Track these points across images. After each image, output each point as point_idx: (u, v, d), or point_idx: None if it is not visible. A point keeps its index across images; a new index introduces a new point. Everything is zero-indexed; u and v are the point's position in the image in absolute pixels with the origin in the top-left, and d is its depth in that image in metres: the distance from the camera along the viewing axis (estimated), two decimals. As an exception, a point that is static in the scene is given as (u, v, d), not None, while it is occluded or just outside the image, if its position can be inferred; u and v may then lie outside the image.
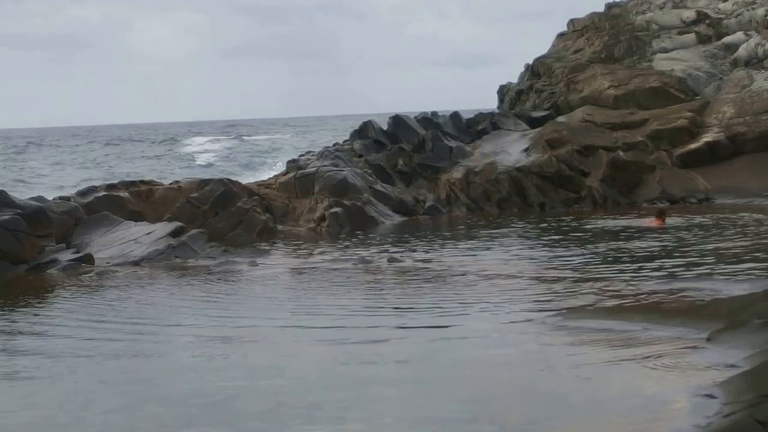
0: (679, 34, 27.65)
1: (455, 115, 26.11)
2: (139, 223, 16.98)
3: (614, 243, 15.66)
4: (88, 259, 14.55)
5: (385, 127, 24.88)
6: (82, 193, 19.04)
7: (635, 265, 13.03)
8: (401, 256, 14.71)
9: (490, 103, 33.72)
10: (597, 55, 28.24)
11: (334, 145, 25.21)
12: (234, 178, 22.72)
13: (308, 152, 24.98)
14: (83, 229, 16.59)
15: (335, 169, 21.51)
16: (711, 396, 6.30)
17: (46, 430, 6.49)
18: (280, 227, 19.51)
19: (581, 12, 40.17)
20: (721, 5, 28.24)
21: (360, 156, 23.72)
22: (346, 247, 16.53)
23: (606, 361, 7.59)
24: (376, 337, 9.00)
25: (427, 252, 15.47)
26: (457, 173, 22.93)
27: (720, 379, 6.64)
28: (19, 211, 14.87)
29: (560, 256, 14.34)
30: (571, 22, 30.83)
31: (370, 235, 18.30)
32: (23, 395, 7.33)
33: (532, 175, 22.68)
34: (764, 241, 15.29)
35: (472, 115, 26.72)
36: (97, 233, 16.40)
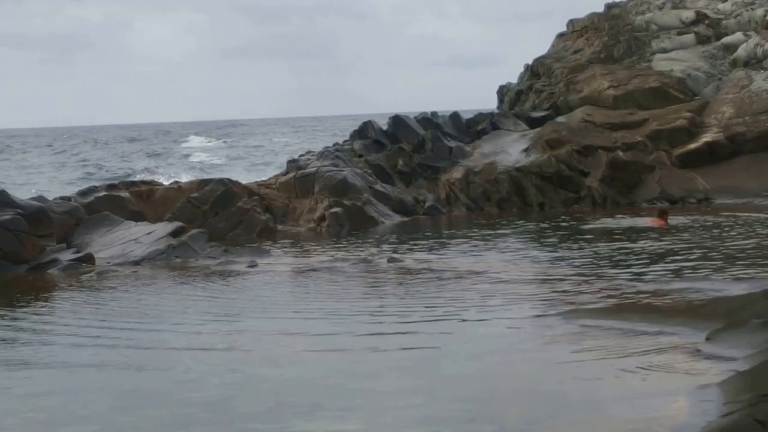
0: (679, 34, 27.67)
1: (455, 116, 26.13)
2: (139, 223, 17.00)
3: (614, 243, 15.67)
4: (89, 259, 14.57)
5: (385, 128, 24.90)
6: (83, 193, 19.09)
7: (635, 265, 13.05)
8: (401, 256, 14.73)
9: (489, 103, 33.78)
10: (596, 55, 28.26)
11: (334, 145, 25.24)
12: (234, 178, 22.72)
13: (308, 152, 25.01)
14: (84, 229, 16.62)
15: (335, 169, 21.53)
16: (710, 396, 6.32)
17: (46, 429, 6.50)
18: (280, 227, 19.53)
19: (581, 12, 40.17)
20: (721, 6, 28.26)
21: (360, 156, 23.75)
22: (346, 247, 16.55)
23: (605, 361, 7.61)
24: (376, 337, 9.02)
25: (426, 252, 15.49)
26: (457, 173, 22.95)
27: (719, 378, 6.65)
28: (19, 211, 14.89)
29: (560, 256, 14.36)
30: (571, 22, 30.85)
31: (370, 235, 18.32)
32: (23, 394, 7.35)
33: (532, 175, 22.70)
34: (764, 241, 15.32)
35: (471, 116, 26.75)
36: (97, 233, 16.42)
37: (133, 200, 19.06)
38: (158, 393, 7.27)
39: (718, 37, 27.25)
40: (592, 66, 27.49)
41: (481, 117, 26.52)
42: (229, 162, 49.95)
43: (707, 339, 7.98)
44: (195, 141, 74.62)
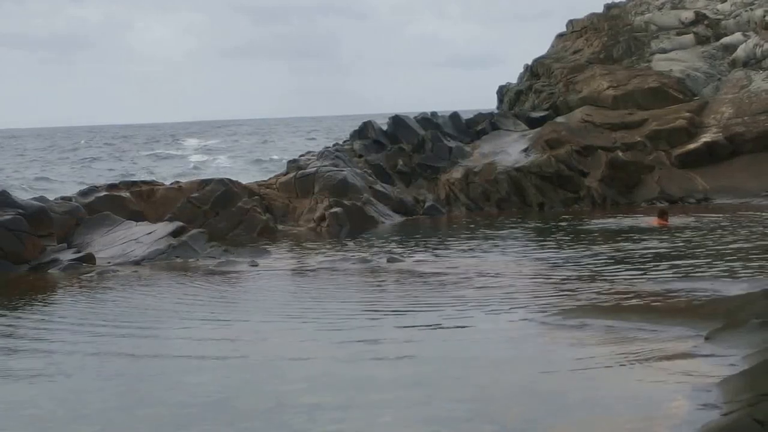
0: (678, 34, 27.68)
1: (455, 116, 26.14)
2: (140, 223, 17.02)
3: (614, 243, 15.68)
4: (89, 259, 14.59)
5: (385, 128, 24.91)
6: (84, 193, 19.10)
7: (635, 265, 13.07)
8: (401, 256, 14.75)
9: (489, 103, 33.77)
10: (596, 55, 28.26)
11: (334, 145, 25.25)
12: (234, 178, 22.73)
13: (308, 152, 25.03)
14: (84, 228, 16.64)
15: (335, 169, 21.55)
16: (709, 395, 6.34)
17: (47, 428, 6.52)
18: (280, 227, 19.54)
19: (580, 13, 40.24)
20: (720, 6, 28.27)
21: (360, 156, 23.76)
22: (346, 247, 16.56)
23: (605, 361, 7.63)
24: (376, 337, 9.04)
25: (426, 252, 15.51)
26: (457, 173, 22.97)
27: (718, 378, 6.67)
28: (20, 211, 14.92)
29: (560, 256, 14.36)
30: (570, 22, 30.86)
31: (370, 235, 18.34)
32: (24, 394, 7.37)
33: (532, 175, 22.71)
34: (763, 241, 15.34)
35: (471, 116, 26.76)
36: (98, 233, 16.44)
37: (133, 200, 19.07)
38: (158, 393, 7.28)
39: (718, 38, 27.26)
40: (591, 66, 27.50)
41: (480, 117, 26.53)
42: (229, 162, 49.95)
43: (706, 339, 8.00)
44: (195, 141, 74.62)
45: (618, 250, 14.75)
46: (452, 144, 24.09)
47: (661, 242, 15.53)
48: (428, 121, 25.37)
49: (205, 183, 20.22)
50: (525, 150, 23.55)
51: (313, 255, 15.55)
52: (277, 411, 6.67)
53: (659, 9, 28.78)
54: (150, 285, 12.70)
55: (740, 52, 26.12)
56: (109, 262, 14.66)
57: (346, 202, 20.05)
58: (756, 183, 22.25)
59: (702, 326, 8.42)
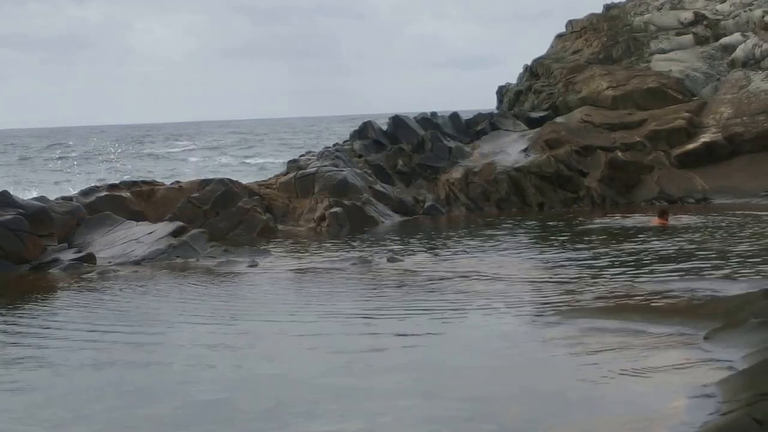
0: (677, 35, 27.70)
1: (454, 116, 26.16)
2: (140, 222, 17.04)
3: (614, 243, 15.71)
4: (90, 259, 14.61)
5: (384, 128, 24.93)
6: (84, 193, 19.12)
7: (635, 265, 13.08)
8: (401, 256, 14.77)
9: (489, 103, 33.79)
10: (595, 55, 28.29)
11: (334, 145, 25.27)
12: (234, 178, 22.74)
13: (308, 152, 25.04)
14: (85, 228, 16.65)
15: (335, 169, 21.57)
16: (709, 395, 6.36)
17: (47, 428, 6.53)
18: (280, 227, 19.56)
19: (580, 13, 40.34)
20: (719, 6, 28.29)
21: (360, 156, 23.77)
22: (346, 247, 16.57)
23: (604, 361, 7.65)
24: (376, 337, 9.05)
25: (426, 252, 15.52)
26: (457, 173, 22.99)
27: (718, 377, 6.70)
28: (21, 210, 14.93)
29: (560, 256, 14.38)
30: (570, 23, 30.87)
31: (370, 235, 18.35)
32: (25, 394, 7.38)
33: (531, 176, 22.73)
34: (762, 241, 15.35)
35: (471, 116, 26.78)
36: (98, 233, 16.45)
37: (134, 200, 19.09)
38: (159, 393, 7.30)
39: (717, 38, 27.28)
40: (591, 66, 27.52)
41: (480, 117, 26.55)
42: (229, 162, 49.95)
43: (706, 338, 8.03)
44: (195, 141, 74.60)
45: (618, 250, 14.76)
46: (452, 144, 24.11)
47: (661, 242, 15.54)
48: (428, 121, 25.39)
49: (205, 183, 20.23)
50: (525, 150, 23.57)
51: (313, 255, 15.56)
52: (277, 411, 6.69)
53: (658, 9, 28.80)
54: (150, 285, 12.72)
55: (739, 53, 26.15)
56: (109, 262, 14.67)
57: (346, 202, 20.06)
58: (755, 183, 22.27)
59: (701, 326, 8.45)
